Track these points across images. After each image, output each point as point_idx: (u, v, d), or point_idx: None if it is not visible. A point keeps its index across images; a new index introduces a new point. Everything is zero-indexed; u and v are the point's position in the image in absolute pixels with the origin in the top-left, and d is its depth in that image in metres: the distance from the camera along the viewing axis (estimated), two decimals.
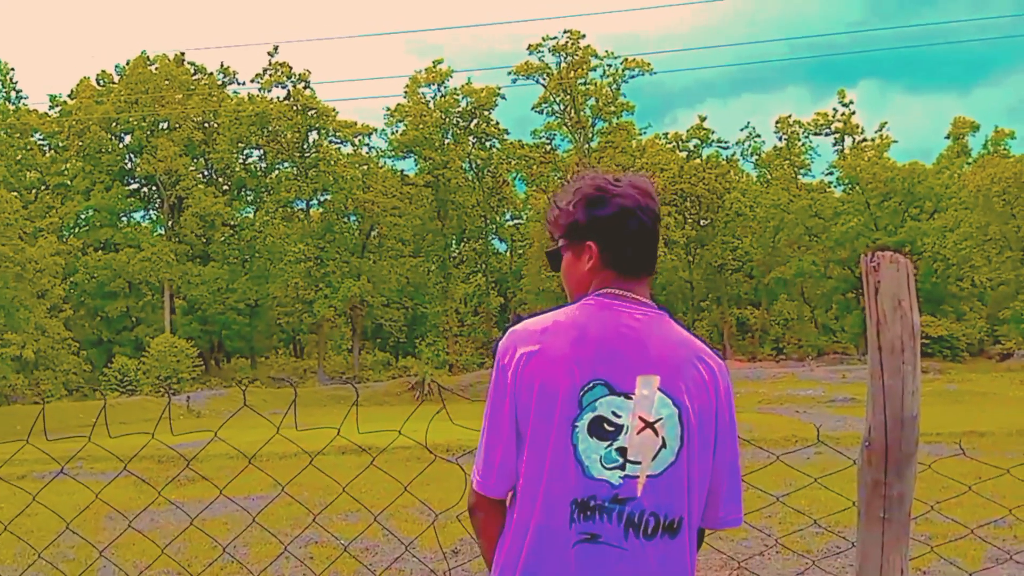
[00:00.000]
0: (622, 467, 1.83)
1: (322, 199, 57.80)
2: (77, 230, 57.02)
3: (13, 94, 58.01)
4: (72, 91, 58.61)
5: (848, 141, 62.22)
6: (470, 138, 60.57)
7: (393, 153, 59.49)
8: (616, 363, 1.85)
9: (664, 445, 1.83)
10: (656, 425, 1.83)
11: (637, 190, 1.99)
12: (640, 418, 1.83)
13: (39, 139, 58.08)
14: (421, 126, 57.15)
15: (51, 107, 59.11)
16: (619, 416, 1.83)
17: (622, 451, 1.83)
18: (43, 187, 57.24)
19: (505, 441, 1.90)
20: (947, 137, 61.09)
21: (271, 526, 8.42)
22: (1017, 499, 4.21)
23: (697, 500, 1.89)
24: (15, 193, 48.91)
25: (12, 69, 58.24)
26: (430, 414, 3.50)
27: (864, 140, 61.57)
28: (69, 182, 56.98)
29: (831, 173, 61.86)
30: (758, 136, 64.61)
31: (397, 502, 7.22)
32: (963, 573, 5.45)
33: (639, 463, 1.83)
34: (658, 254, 2.03)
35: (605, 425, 1.83)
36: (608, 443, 1.83)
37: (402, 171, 60.04)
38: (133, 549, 7.65)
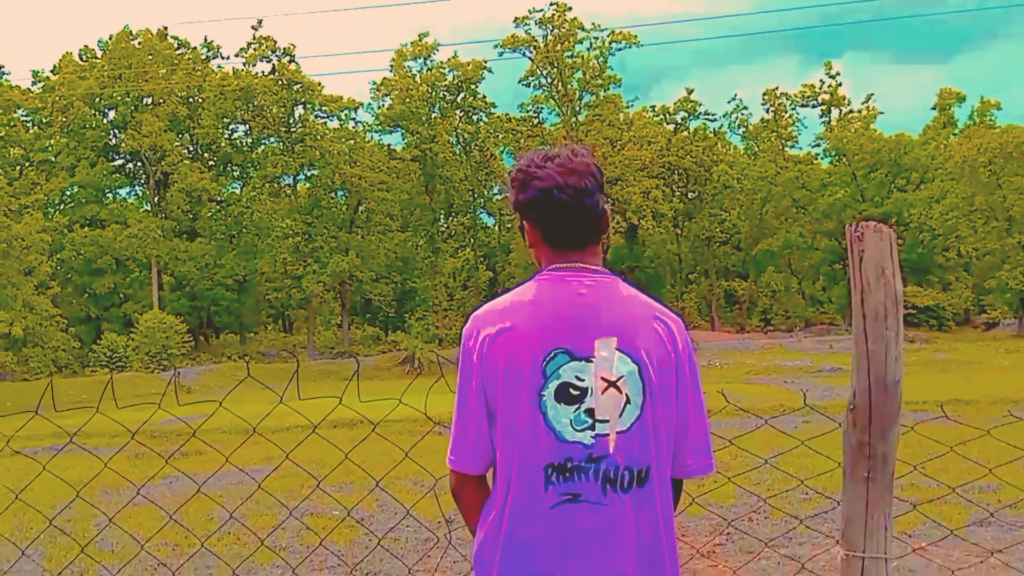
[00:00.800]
0: (592, 427, 1.93)
1: (309, 174, 57.51)
2: (63, 207, 56.63)
3: None
4: (55, 67, 58.02)
5: (835, 113, 62.33)
6: (457, 112, 60.35)
7: (380, 127, 59.23)
8: (574, 330, 1.95)
9: (628, 401, 1.94)
10: (618, 383, 1.93)
11: (560, 169, 2.03)
12: (602, 378, 1.93)
13: (22, 115, 57.50)
14: (408, 100, 56.86)
15: (34, 83, 58.48)
16: (582, 380, 1.93)
17: (590, 412, 1.93)
18: (27, 163, 56.79)
19: (476, 420, 2.01)
20: (933, 108, 61.18)
21: (266, 498, 8.51)
22: (999, 461, 4.32)
23: (665, 450, 1.99)
24: None
25: None
26: (423, 387, 3.57)
27: (851, 112, 61.67)
28: (53, 158, 56.53)
29: (818, 145, 62.11)
30: (745, 108, 64.76)
31: (392, 473, 7.31)
32: (947, 533, 5.58)
33: (607, 421, 1.93)
34: (598, 226, 2.07)
35: (571, 390, 1.93)
36: (576, 406, 1.93)
37: (389, 145, 59.86)
38: (129, 522, 7.72)
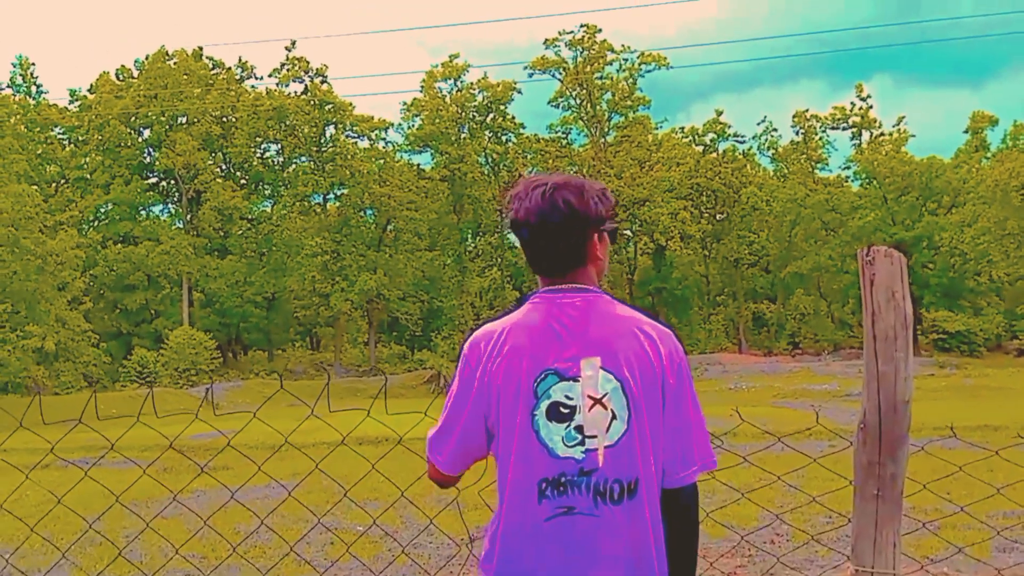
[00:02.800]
0: (582, 443, 2.03)
1: (339, 193, 58.09)
2: (97, 223, 57.54)
3: (34, 88, 58.60)
4: (92, 85, 59.00)
5: (865, 135, 61.89)
6: (486, 132, 60.63)
7: (409, 147, 59.69)
8: (562, 351, 2.06)
9: (615, 417, 2.03)
10: (603, 400, 2.03)
11: (529, 209, 2.14)
12: (589, 396, 2.03)
13: (59, 133, 58.56)
14: (437, 120, 57.29)
15: (71, 101, 59.59)
16: (571, 399, 2.03)
17: (579, 428, 2.03)
18: (63, 181, 57.73)
19: (462, 428, 2.14)
20: (965, 131, 60.61)
21: (291, 513, 8.61)
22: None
23: (652, 462, 2.06)
24: (36, 187, 49.40)
25: (33, 64, 58.86)
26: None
27: (881, 134, 61.19)
28: (89, 176, 57.43)
29: (848, 167, 61.58)
30: (775, 130, 64.33)
31: (416, 491, 7.37)
32: (970, 561, 5.57)
33: (595, 436, 2.03)
34: (576, 257, 2.14)
35: (561, 408, 2.03)
36: (566, 424, 2.03)
37: (418, 165, 60.25)
38: (157, 535, 7.84)
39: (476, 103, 59.55)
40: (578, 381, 2.04)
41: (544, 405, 2.04)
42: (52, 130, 57.58)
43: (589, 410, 2.02)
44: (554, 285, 2.15)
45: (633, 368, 2.04)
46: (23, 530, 7.35)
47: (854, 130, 61.95)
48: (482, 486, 3.71)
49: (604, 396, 2.03)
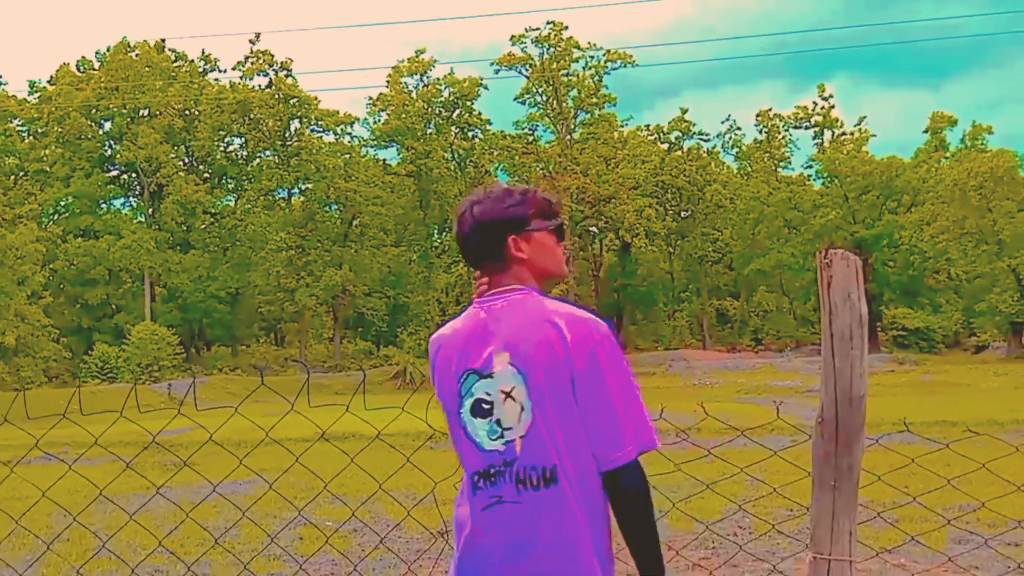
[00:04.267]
0: (502, 435, 2.16)
1: (304, 188, 57.77)
2: (57, 217, 56.77)
3: None
4: (52, 77, 58.11)
5: (827, 135, 62.59)
6: (452, 128, 60.66)
7: (375, 142, 59.58)
8: (480, 351, 2.20)
9: (523, 408, 2.15)
10: (512, 393, 2.15)
11: (455, 225, 2.39)
12: (501, 391, 2.17)
13: (18, 125, 57.61)
14: (403, 116, 57.19)
15: (30, 93, 58.66)
16: (490, 394, 2.18)
17: (498, 422, 2.17)
18: (22, 173, 56.83)
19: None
20: (925, 131, 61.47)
21: (258, 512, 8.63)
22: (984, 484, 4.51)
23: (567, 448, 2.12)
24: None
25: None
26: (420, 402, 3.71)
27: (843, 134, 61.93)
28: (48, 168, 56.62)
29: (810, 166, 62.35)
30: (738, 129, 65.02)
31: (385, 485, 7.43)
32: (925, 550, 5.76)
33: (511, 428, 2.16)
34: (489, 255, 2.29)
35: (483, 405, 2.19)
36: (488, 419, 2.18)
37: (384, 160, 60.14)
38: (127, 530, 7.84)
39: (442, 99, 59.54)
40: (493, 377, 2.17)
41: (468, 403, 2.20)
42: (11, 122, 56.64)
43: (503, 404, 2.16)
44: (491, 290, 2.29)
45: (536, 359, 2.12)
46: None
47: (816, 129, 62.60)
48: (456, 480, 3.80)
49: (512, 389, 2.15)
